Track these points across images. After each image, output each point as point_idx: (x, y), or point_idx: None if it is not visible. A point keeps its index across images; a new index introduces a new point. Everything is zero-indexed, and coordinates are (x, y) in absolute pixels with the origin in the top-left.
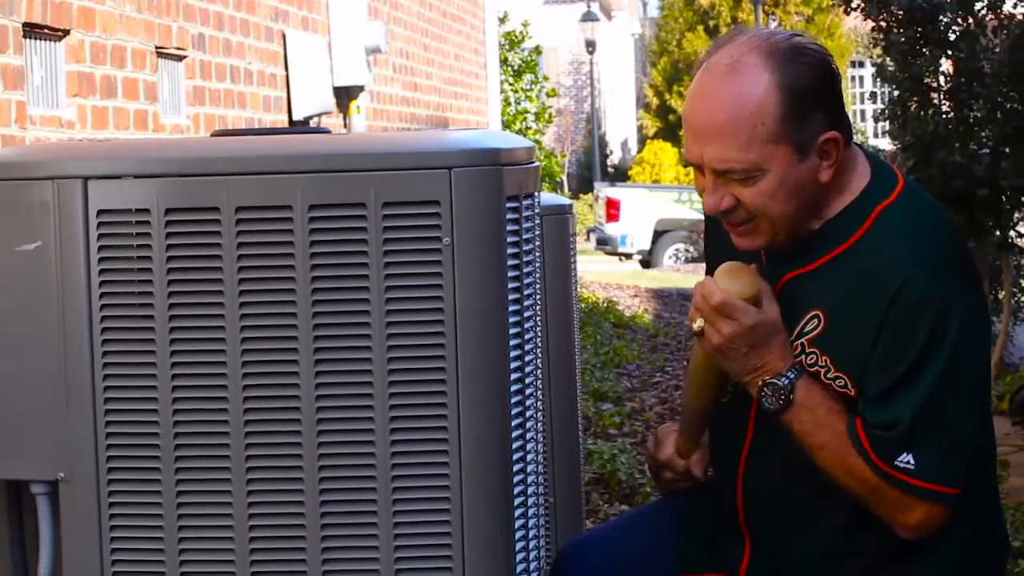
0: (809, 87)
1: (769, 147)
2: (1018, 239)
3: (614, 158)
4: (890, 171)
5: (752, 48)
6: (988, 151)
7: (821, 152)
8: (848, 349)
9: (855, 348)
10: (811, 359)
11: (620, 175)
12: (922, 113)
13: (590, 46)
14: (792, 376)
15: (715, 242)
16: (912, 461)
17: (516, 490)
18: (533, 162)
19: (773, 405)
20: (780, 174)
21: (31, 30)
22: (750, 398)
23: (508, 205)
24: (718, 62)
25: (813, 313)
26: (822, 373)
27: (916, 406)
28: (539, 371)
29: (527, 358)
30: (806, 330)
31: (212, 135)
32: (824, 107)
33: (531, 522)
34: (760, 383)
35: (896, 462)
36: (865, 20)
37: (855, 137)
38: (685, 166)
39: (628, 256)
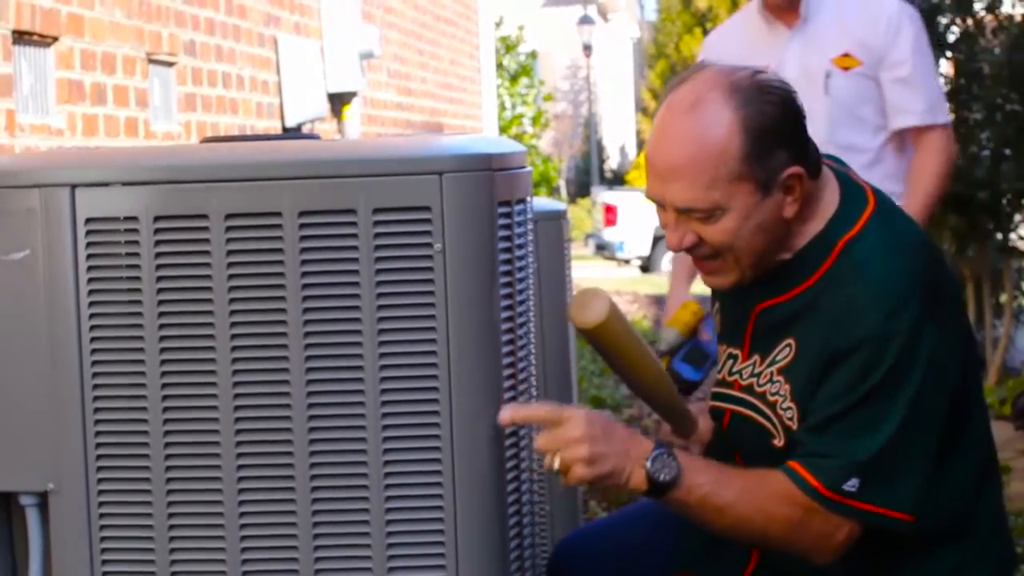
0: (772, 126)
1: (732, 186)
2: (1019, 242)
3: (612, 162)
4: (859, 195)
5: (715, 86)
6: (988, 154)
7: (784, 187)
8: (802, 382)
9: (806, 381)
10: (775, 387)
11: (618, 180)
12: None
13: (587, 50)
14: (665, 446)
15: None
16: (857, 484)
17: (510, 498)
18: (525, 167)
19: (670, 474)
20: (742, 212)
21: (20, 37)
22: (726, 435)
23: (500, 210)
24: (681, 100)
25: (787, 342)
26: (779, 403)
27: (875, 444)
28: (534, 378)
29: (520, 364)
30: (777, 359)
31: (201, 142)
32: (787, 144)
33: (526, 531)
34: (646, 464)
35: (844, 487)
36: None
37: None
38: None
39: (627, 261)
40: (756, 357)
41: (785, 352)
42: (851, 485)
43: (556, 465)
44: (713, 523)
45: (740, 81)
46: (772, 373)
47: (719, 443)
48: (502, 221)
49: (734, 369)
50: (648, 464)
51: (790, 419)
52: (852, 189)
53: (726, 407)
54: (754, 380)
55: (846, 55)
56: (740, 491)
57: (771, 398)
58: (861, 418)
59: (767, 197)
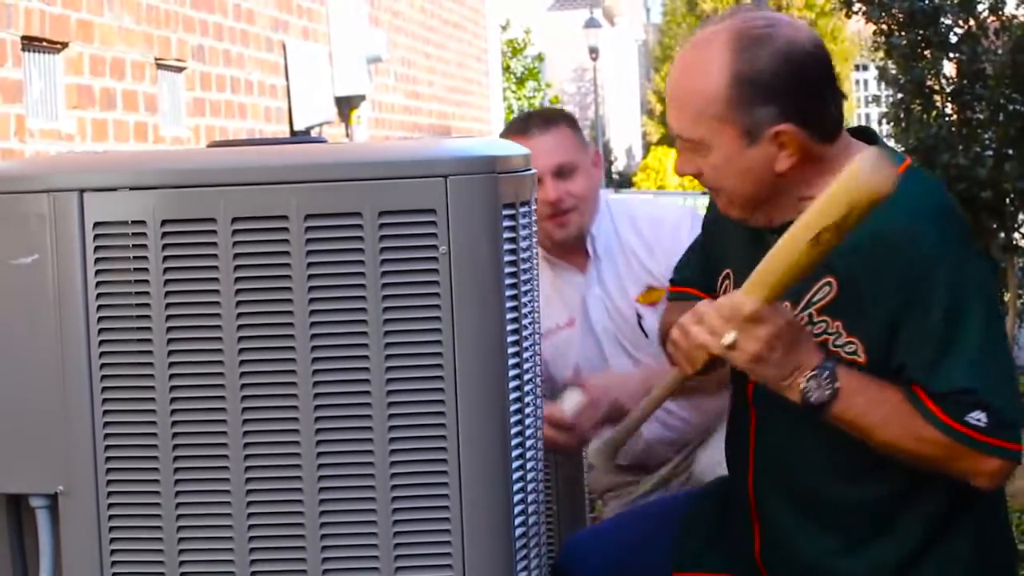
0: (762, 78)
1: (714, 125)
2: (1022, 241)
3: (618, 165)
4: (896, 154)
5: (726, 28)
6: (991, 153)
7: (776, 142)
8: (862, 313)
9: (870, 311)
10: (819, 328)
11: (624, 182)
12: (925, 116)
13: (593, 53)
14: (831, 365)
15: (712, 243)
16: (984, 419)
17: (516, 497)
18: (530, 169)
19: (822, 397)
20: (726, 154)
21: (30, 43)
22: (748, 405)
23: (504, 213)
24: (698, 36)
25: (825, 281)
26: (831, 341)
27: (973, 367)
28: (539, 378)
29: (526, 365)
30: (815, 299)
31: (208, 146)
32: (777, 100)
33: (532, 529)
34: (802, 381)
35: (967, 419)
36: (867, 23)
37: None
38: None
39: None
40: (785, 305)
41: (824, 291)
42: (975, 418)
43: (729, 340)
44: (868, 438)
45: (749, 29)
46: (811, 315)
47: (734, 435)
48: (507, 223)
49: None
50: (803, 383)
51: (851, 353)
52: (890, 149)
53: None
54: None
55: (649, 289)
56: (892, 410)
57: (817, 339)
58: (964, 348)
59: (753, 146)
